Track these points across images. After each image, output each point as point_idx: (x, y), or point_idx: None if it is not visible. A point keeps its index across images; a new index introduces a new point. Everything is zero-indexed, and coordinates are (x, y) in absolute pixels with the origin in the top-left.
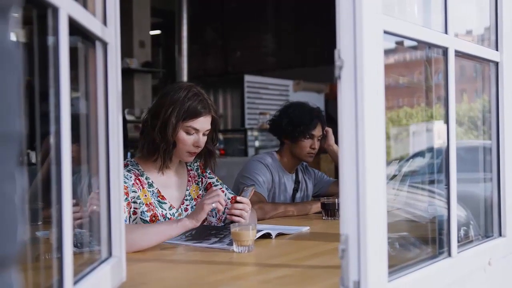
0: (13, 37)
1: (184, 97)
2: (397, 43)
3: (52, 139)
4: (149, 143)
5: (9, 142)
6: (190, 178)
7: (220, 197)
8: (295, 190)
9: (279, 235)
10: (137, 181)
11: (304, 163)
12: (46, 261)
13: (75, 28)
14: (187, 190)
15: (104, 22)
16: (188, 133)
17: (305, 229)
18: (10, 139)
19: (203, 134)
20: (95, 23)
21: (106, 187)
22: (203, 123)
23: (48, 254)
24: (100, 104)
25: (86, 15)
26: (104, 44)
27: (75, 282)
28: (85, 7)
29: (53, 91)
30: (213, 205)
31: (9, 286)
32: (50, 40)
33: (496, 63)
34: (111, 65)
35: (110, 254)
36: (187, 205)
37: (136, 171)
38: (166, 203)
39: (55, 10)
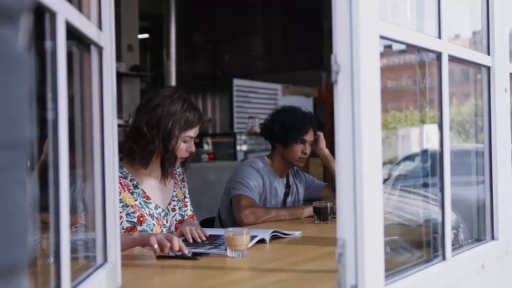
0: (22, 43)
1: (181, 109)
2: (385, 46)
3: (49, 144)
4: (149, 154)
5: (20, 149)
6: (176, 181)
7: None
8: (286, 195)
9: (274, 238)
10: (119, 184)
11: (295, 167)
12: (39, 267)
13: (71, 33)
14: (174, 191)
15: (100, 27)
16: (184, 142)
17: (298, 233)
18: (20, 145)
19: (194, 140)
20: (91, 28)
21: (101, 193)
22: (197, 130)
23: (40, 260)
24: (95, 108)
25: (83, 19)
26: (100, 49)
27: None
28: (81, 11)
29: (51, 96)
30: (155, 246)
31: None
32: (47, 44)
33: (488, 68)
34: (106, 69)
35: (105, 259)
36: (174, 205)
37: (119, 173)
38: (151, 203)
39: (53, 14)
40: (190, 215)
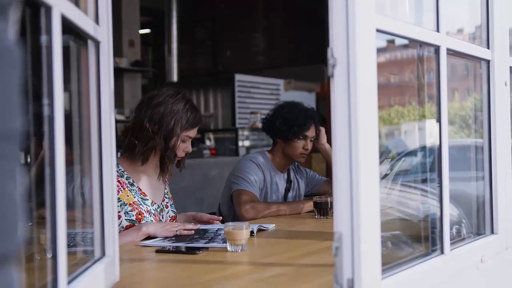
0: (12, 35)
1: (184, 108)
2: (388, 41)
3: (45, 140)
4: (149, 150)
5: (10, 140)
6: (166, 179)
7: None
8: (287, 190)
9: (259, 231)
10: (117, 183)
11: (296, 163)
12: (37, 262)
13: (67, 27)
14: (166, 189)
15: (96, 21)
16: (183, 141)
17: (272, 226)
18: (11, 137)
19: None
20: (87, 22)
21: (99, 188)
22: (196, 131)
23: (39, 255)
24: (93, 103)
25: (79, 13)
26: (97, 43)
27: (69, 282)
28: (77, 5)
29: (46, 91)
30: (177, 232)
31: (10, 283)
32: (43, 38)
33: (488, 61)
34: (104, 64)
35: (103, 253)
36: (166, 203)
37: (116, 169)
38: (148, 199)
39: (48, 8)
40: (172, 216)
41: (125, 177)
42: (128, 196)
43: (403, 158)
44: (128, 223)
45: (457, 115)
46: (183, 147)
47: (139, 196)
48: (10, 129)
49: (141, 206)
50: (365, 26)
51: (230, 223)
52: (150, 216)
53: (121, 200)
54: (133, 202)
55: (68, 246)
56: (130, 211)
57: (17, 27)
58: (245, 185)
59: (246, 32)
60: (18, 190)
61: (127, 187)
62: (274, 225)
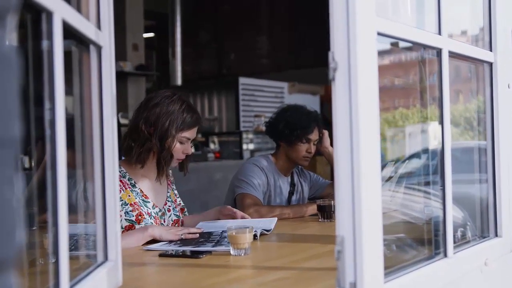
0: (10, 41)
1: (179, 109)
2: (392, 44)
3: (47, 144)
4: (146, 152)
5: (8, 146)
6: (169, 183)
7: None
8: (291, 193)
9: (262, 234)
10: (119, 182)
11: (300, 166)
12: (41, 266)
13: (69, 32)
14: (168, 192)
15: (98, 26)
16: (181, 142)
17: (274, 220)
18: (9, 143)
19: (191, 142)
20: (89, 27)
21: (102, 192)
22: (195, 132)
23: (42, 259)
24: (95, 108)
25: (80, 19)
26: (98, 48)
27: (71, 286)
28: (79, 11)
29: (48, 95)
30: (182, 236)
31: None
32: (44, 44)
33: (490, 64)
34: (106, 68)
35: (106, 258)
36: (169, 206)
37: (118, 173)
38: (149, 202)
39: (50, 14)
40: (174, 220)
41: (127, 178)
42: (129, 196)
43: (407, 161)
44: (128, 223)
45: (462, 117)
46: (182, 149)
47: (141, 198)
48: (8, 136)
49: (142, 207)
50: (365, 29)
51: (233, 227)
52: (150, 218)
53: (122, 200)
54: (134, 203)
55: (70, 249)
56: (130, 211)
57: (16, 33)
58: (248, 189)
59: (250, 35)
60: (16, 196)
61: (129, 187)
62: (275, 219)
